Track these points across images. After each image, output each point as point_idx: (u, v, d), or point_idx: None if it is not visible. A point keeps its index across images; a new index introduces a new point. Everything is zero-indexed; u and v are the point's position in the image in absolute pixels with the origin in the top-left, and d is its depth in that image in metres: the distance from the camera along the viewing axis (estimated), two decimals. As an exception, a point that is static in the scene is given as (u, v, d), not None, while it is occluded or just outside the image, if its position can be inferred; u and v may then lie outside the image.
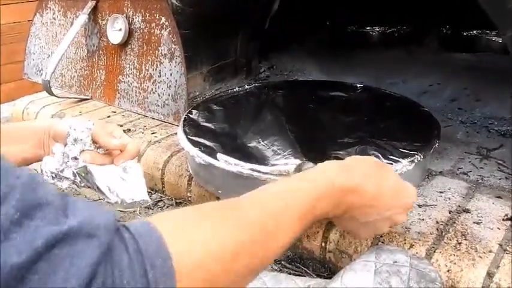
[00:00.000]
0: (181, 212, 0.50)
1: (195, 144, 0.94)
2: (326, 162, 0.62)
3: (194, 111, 1.09)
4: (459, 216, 0.84)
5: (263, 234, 0.48)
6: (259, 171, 0.83)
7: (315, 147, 0.93)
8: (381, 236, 0.79)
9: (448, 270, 0.72)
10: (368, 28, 1.80)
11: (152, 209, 1.05)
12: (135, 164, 0.75)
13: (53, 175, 0.72)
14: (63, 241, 0.35)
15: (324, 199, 0.55)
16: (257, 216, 0.48)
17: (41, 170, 0.73)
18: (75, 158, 0.70)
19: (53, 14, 1.49)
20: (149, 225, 0.41)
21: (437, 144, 0.92)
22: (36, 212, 0.35)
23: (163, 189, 1.09)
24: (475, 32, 1.64)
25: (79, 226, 0.36)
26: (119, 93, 1.37)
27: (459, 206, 0.87)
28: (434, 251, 0.75)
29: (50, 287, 0.33)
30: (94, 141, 0.72)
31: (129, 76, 1.33)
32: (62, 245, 0.35)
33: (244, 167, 0.84)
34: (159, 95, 1.26)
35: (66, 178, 0.72)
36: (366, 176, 0.61)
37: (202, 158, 0.89)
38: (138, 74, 1.30)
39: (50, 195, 0.38)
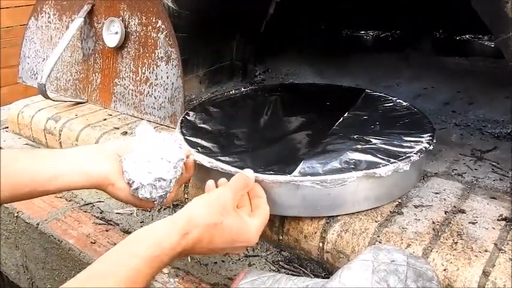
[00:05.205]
0: None
1: (193, 145, 0.94)
2: (166, 222, 0.67)
3: (191, 113, 1.10)
4: (455, 216, 0.84)
5: None
6: (256, 173, 0.83)
7: (311, 149, 0.94)
8: (378, 236, 0.80)
9: (444, 269, 0.73)
10: (362, 32, 1.81)
11: (149, 211, 1.05)
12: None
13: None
14: None
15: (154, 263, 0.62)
16: None
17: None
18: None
19: (48, 17, 1.50)
20: None
21: (432, 146, 0.93)
22: None
23: (160, 191, 1.09)
24: (467, 36, 1.66)
25: None
26: (114, 96, 1.37)
27: (454, 206, 0.88)
28: (431, 251, 0.76)
29: None
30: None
31: (125, 79, 1.33)
32: None
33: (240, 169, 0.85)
34: (155, 98, 1.26)
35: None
36: (198, 241, 0.67)
37: (200, 159, 0.89)
38: (134, 77, 1.31)
39: None
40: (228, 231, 0.70)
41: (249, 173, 0.79)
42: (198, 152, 0.91)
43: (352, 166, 0.84)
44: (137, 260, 0.60)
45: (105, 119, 1.32)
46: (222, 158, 0.88)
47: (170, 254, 0.64)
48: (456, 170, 1.03)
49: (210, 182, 0.80)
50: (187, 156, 0.86)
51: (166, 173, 0.78)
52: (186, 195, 1.04)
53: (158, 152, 0.78)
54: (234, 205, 0.74)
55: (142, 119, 1.30)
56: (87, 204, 1.10)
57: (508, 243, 0.76)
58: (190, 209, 0.69)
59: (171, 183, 0.79)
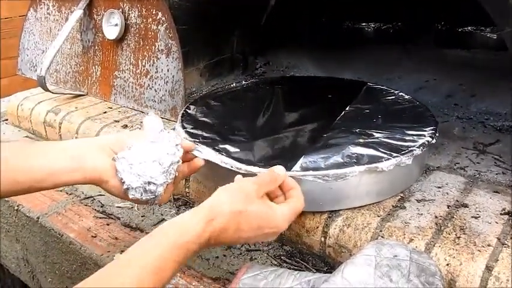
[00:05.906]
0: None
1: (194, 139, 0.94)
2: (195, 210, 0.68)
3: (192, 107, 1.09)
4: (457, 210, 0.84)
5: None
6: (257, 167, 0.83)
7: (313, 144, 0.93)
8: (381, 231, 0.80)
9: (447, 264, 0.73)
10: (363, 24, 1.80)
11: (150, 205, 1.05)
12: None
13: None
14: None
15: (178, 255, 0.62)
16: None
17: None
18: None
19: (47, 9, 1.48)
20: None
21: (434, 139, 0.93)
22: None
23: (161, 185, 1.09)
24: (469, 28, 1.65)
25: None
26: (114, 89, 1.36)
27: (457, 200, 0.87)
28: (434, 245, 0.76)
29: None
30: None
31: (125, 72, 1.32)
32: None
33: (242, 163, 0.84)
34: (155, 91, 1.25)
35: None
36: (224, 229, 0.67)
37: (202, 153, 0.88)
38: (134, 69, 1.30)
39: None
40: (254, 216, 0.70)
41: (278, 169, 0.78)
42: (201, 142, 0.90)
43: (354, 160, 0.84)
44: (162, 248, 0.61)
45: (105, 112, 1.32)
46: (223, 152, 0.88)
47: (197, 242, 0.64)
48: (458, 163, 1.02)
49: (239, 176, 0.79)
50: (193, 154, 0.86)
51: (157, 178, 0.76)
52: (187, 189, 1.04)
53: (152, 154, 0.76)
54: (259, 195, 0.73)
55: (142, 111, 1.30)
56: (88, 197, 1.09)
57: (511, 238, 0.76)
58: (213, 198, 0.70)
59: (161, 188, 0.77)
